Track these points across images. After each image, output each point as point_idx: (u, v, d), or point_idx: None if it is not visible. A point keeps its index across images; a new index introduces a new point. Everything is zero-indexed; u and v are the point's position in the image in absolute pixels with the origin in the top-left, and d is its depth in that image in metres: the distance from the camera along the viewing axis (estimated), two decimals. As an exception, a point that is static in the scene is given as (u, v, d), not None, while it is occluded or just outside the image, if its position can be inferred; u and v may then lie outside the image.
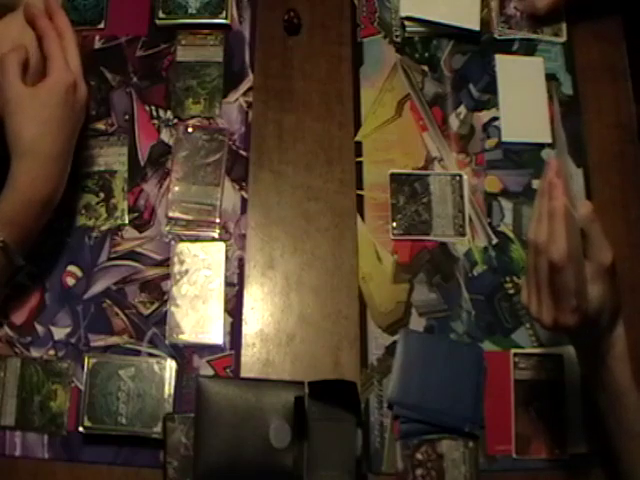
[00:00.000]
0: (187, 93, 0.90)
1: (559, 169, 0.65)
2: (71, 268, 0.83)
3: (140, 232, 0.85)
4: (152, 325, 0.82)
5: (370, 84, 0.91)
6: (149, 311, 0.82)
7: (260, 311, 0.83)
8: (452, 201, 0.86)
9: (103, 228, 0.85)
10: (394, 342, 0.81)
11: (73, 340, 0.81)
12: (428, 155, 0.88)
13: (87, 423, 0.77)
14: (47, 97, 0.75)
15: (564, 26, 0.93)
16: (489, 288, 0.84)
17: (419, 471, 0.77)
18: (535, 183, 0.87)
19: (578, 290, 0.64)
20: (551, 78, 0.91)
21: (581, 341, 0.72)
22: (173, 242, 0.84)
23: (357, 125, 0.89)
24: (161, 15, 0.92)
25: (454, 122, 0.89)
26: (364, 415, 0.78)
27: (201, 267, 0.83)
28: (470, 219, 0.86)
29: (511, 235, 0.85)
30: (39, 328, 0.81)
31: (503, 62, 0.91)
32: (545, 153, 0.88)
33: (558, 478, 0.78)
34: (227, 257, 0.84)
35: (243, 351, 0.81)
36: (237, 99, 0.90)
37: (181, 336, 0.81)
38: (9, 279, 0.79)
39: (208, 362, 0.81)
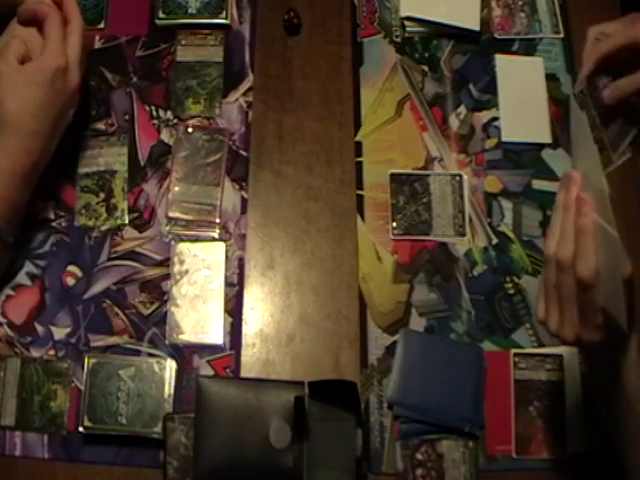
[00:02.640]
0: (187, 93, 0.90)
1: (584, 184, 0.62)
2: (71, 268, 0.83)
3: (140, 232, 0.85)
4: (152, 325, 0.82)
5: (370, 84, 0.91)
6: (149, 311, 0.82)
7: (260, 311, 0.83)
8: (452, 201, 0.86)
9: (103, 228, 0.85)
10: (394, 342, 0.81)
11: (73, 340, 0.81)
12: (428, 155, 0.88)
13: (87, 423, 0.77)
14: (33, 75, 0.76)
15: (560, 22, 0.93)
16: (489, 288, 0.84)
17: (419, 471, 0.77)
18: (535, 183, 0.87)
19: (605, 307, 0.61)
20: (551, 78, 0.91)
21: (596, 354, 0.69)
22: (173, 242, 0.84)
23: (357, 125, 0.89)
24: (161, 15, 0.92)
25: (454, 122, 0.89)
26: (364, 415, 0.78)
27: (201, 267, 0.83)
28: (470, 219, 0.86)
29: (511, 235, 0.85)
30: (39, 328, 0.81)
31: (503, 62, 0.91)
32: (545, 153, 0.88)
33: (558, 478, 0.78)
34: (227, 257, 0.84)
35: (243, 351, 0.81)
36: (237, 99, 0.90)
37: (181, 336, 0.81)
38: (1, 260, 0.79)
39: (208, 362, 0.81)
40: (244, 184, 0.87)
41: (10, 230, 0.78)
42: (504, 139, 0.89)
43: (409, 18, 0.91)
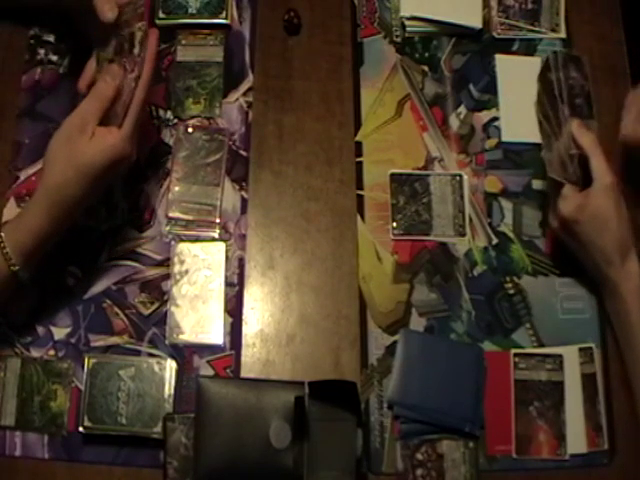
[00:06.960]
0: (187, 93, 0.90)
1: None
2: (71, 268, 0.83)
3: (140, 232, 0.85)
4: (152, 325, 0.82)
5: (370, 84, 0.91)
6: (149, 311, 0.82)
7: (260, 311, 0.83)
8: (452, 201, 0.86)
9: (103, 228, 0.85)
10: (394, 342, 0.81)
11: (73, 340, 0.81)
12: (428, 155, 0.88)
13: (87, 423, 0.77)
14: (97, 158, 0.73)
15: (562, 22, 0.93)
16: (489, 288, 0.84)
17: (419, 471, 0.77)
18: (535, 183, 0.87)
19: None
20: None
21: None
22: (173, 242, 0.84)
23: (357, 125, 0.89)
24: (161, 15, 0.92)
25: (454, 122, 0.89)
26: (364, 415, 0.78)
27: (201, 267, 0.83)
28: (470, 219, 0.86)
29: (511, 235, 0.85)
30: (39, 328, 0.81)
31: (503, 62, 0.91)
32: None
33: (558, 478, 0.78)
34: (227, 257, 0.84)
35: (243, 351, 0.81)
36: (237, 99, 0.90)
37: (181, 336, 0.81)
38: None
39: (208, 362, 0.81)
40: (244, 184, 0.87)
41: (29, 273, 0.75)
42: (504, 139, 0.89)
43: (411, 17, 0.91)
